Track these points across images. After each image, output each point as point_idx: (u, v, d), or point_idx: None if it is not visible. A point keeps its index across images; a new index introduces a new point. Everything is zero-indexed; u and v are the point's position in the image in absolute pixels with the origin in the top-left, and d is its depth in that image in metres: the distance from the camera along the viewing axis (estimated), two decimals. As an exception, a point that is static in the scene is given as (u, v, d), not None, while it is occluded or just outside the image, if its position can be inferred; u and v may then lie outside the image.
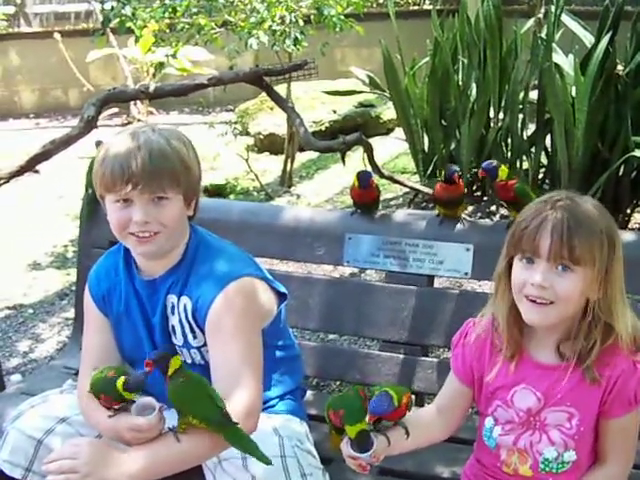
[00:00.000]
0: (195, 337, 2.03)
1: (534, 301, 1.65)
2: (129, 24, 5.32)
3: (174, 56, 5.37)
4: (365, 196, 2.68)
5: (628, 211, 4.69)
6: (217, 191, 5.81)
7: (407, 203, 5.35)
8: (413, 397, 1.97)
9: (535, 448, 1.76)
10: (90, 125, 2.93)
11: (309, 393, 2.56)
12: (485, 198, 5.30)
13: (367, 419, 1.71)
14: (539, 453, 1.76)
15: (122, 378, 1.86)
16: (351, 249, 2.64)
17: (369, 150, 3.95)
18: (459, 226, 2.61)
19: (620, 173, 4.58)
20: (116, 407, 1.91)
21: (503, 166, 2.60)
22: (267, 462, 1.81)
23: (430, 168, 5.47)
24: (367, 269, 3.56)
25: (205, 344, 2.01)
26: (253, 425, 1.88)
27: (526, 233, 1.65)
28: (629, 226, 4.60)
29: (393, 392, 1.73)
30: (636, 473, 1.91)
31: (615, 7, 4.51)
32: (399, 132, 6.68)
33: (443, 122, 5.38)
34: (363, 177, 2.66)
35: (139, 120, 5.57)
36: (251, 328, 1.96)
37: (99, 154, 1.95)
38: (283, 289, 2.14)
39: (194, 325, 2.01)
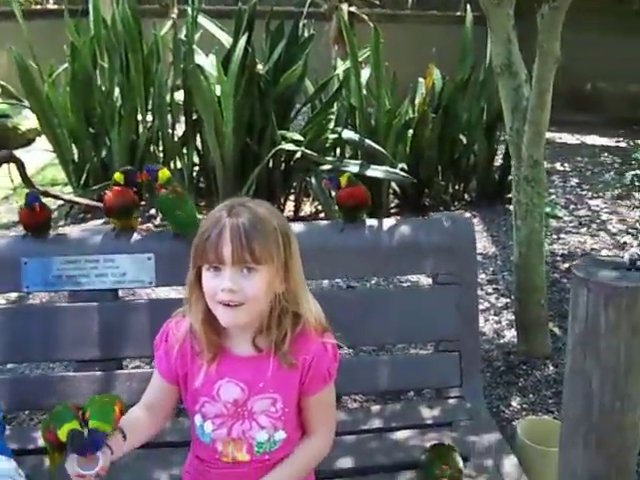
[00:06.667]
0: None
1: (227, 305, 1.72)
2: None
3: None
4: (35, 217, 2.58)
5: (282, 199, 5.00)
6: None
7: (64, 217, 5.20)
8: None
9: (248, 435, 1.85)
10: None
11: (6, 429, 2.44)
12: (143, 202, 5.33)
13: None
14: (252, 439, 1.85)
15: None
16: (30, 273, 2.54)
17: (20, 166, 3.80)
18: (136, 236, 2.62)
19: (271, 166, 4.87)
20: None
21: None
22: None
23: (83, 178, 5.36)
24: (50, 291, 3.43)
25: None
26: None
27: (208, 243, 1.70)
28: (284, 214, 4.91)
29: (103, 417, 1.71)
30: (337, 439, 2.09)
31: (248, 7, 4.75)
32: (42, 142, 6.43)
33: (91, 130, 5.31)
34: (30, 198, 2.54)
35: None
36: None
37: None
38: None
39: None
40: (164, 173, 2.57)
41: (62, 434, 1.66)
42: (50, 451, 1.82)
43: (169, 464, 2.27)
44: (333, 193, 4.43)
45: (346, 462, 2.32)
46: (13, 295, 3.79)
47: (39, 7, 10.81)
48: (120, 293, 2.70)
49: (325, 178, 2.83)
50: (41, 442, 2.38)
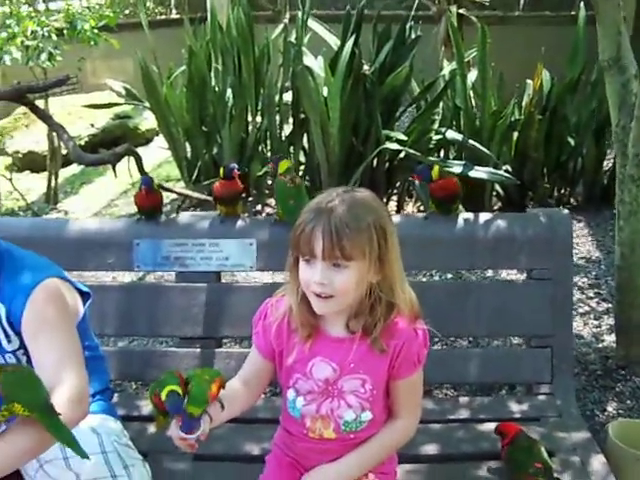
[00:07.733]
0: (10, 341, 2.02)
1: (319, 295, 1.80)
2: None
3: None
4: (149, 201, 2.78)
5: (384, 199, 5.06)
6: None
7: (175, 209, 5.43)
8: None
9: (336, 413, 1.92)
10: None
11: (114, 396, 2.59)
12: (250, 198, 5.49)
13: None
14: (340, 417, 1.92)
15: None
16: (140, 254, 2.71)
17: (138, 160, 4.02)
18: (240, 223, 2.76)
19: (374, 165, 4.93)
20: None
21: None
22: (84, 456, 1.80)
23: (195, 174, 5.58)
24: (158, 272, 3.59)
25: (20, 347, 2.01)
26: (83, 412, 1.88)
27: (302, 237, 1.78)
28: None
29: (197, 400, 1.80)
30: (423, 426, 2.16)
31: (356, 11, 4.86)
32: (159, 141, 6.70)
33: (204, 128, 5.51)
34: (144, 180, 2.79)
35: None
36: (64, 324, 1.98)
37: None
38: (86, 288, 2.17)
39: (9, 330, 2.00)
40: (284, 163, 2.72)
41: (164, 394, 1.79)
42: (156, 414, 1.95)
43: (260, 438, 2.37)
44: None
45: (430, 448, 2.36)
46: (125, 274, 3.98)
47: (163, 17, 11.38)
48: (222, 275, 2.83)
49: (414, 172, 2.87)
50: (145, 410, 2.56)
